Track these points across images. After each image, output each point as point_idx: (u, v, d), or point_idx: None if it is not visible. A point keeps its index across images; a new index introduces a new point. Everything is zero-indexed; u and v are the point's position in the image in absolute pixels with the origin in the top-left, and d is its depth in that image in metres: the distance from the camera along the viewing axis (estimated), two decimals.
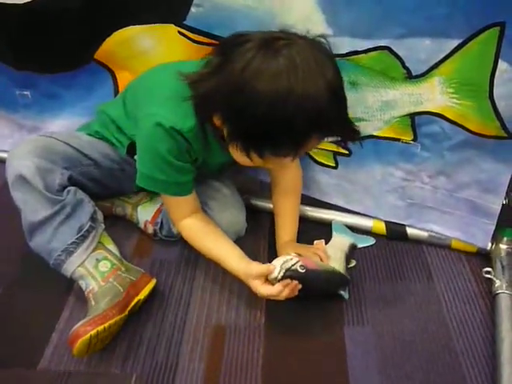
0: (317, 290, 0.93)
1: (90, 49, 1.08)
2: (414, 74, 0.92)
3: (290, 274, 0.84)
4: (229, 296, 0.99)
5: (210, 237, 0.95)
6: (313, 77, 0.72)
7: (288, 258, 0.86)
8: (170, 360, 0.87)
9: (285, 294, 0.85)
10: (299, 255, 0.92)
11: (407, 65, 0.91)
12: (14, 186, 0.90)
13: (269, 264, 0.86)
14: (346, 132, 0.84)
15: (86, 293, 0.90)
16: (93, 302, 0.88)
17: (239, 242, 1.00)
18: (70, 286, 0.97)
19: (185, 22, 0.98)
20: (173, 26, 1.00)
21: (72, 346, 0.82)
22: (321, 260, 0.96)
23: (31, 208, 0.89)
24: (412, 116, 0.97)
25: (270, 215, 1.11)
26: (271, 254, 1.02)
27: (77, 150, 0.98)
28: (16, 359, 0.87)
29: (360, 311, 0.96)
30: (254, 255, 0.98)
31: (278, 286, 0.84)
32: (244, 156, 0.81)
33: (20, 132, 1.29)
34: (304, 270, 0.85)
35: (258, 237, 1.12)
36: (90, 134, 1.04)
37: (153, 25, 1.01)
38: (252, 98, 0.72)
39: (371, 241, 1.09)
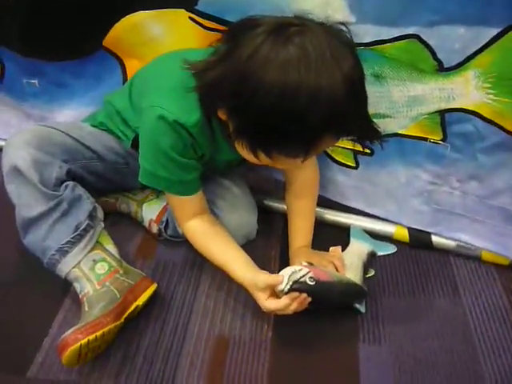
0: (329, 303, 0.88)
1: (98, 35, 1.05)
2: (445, 66, 0.86)
3: (297, 287, 0.79)
4: (234, 305, 0.93)
5: (216, 241, 0.91)
6: (327, 68, 0.66)
7: (297, 269, 0.80)
8: (166, 373, 0.82)
9: (292, 308, 0.79)
10: (311, 264, 0.86)
11: (439, 56, 0.85)
12: (9, 177, 0.86)
13: (276, 274, 0.81)
14: (365, 131, 0.78)
15: (80, 296, 0.85)
16: (86, 308, 0.83)
17: (249, 245, 0.97)
18: (66, 287, 0.93)
19: (196, 7, 0.95)
20: (183, 10, 0.96)
21: (61, 355, 0.77)
22: (336, 269, 0.91)
23: (25, 203, 0.85)
24: (442, 113, 0.92)
25: (284, 217, 1.06)
26: (284, 260, 0.98)
27: (78, 142, 0.94)
28: (5, 364, 0.83)
29: (377, 327, 0.90)
30: (264, 261, 0.96)
31: (284, 300, 0.79)
32: (251, 154, 0.75)
33: (27, 122, 1.27)
34: (314, 283, 0.80)
35: (271, 241, 1.07)
36: (94, 126, 1.00)
37: (163, 10, 0.98)
38: (259, 88, 0.66)
39: (392, 248, 1.05)
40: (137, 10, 0.99)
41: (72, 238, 0.85)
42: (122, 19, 1.01)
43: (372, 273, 0.98)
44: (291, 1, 0.85)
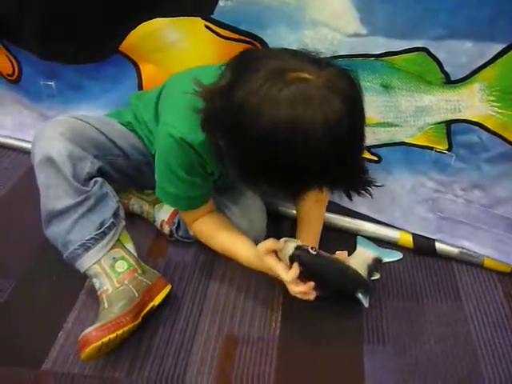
0: (332, 283, 0.87)
1: (115, 40, 1.07)
2: (452, 78, 0.87)
3: (299, 253, 0.79)
4: (243, 304, 0.95)
5: (222, 232, 0.93)
6: (310, 115, 0.63)
7: (298, 241, 0.82)
8: (177, 370, 0.84)
9: (299, 290, 0.81)
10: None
11: (446, 69, 0.87)
12: (40, 166, 0.85)
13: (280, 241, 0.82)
14: (351, 182, 0.75)
15: (98, 292, 0.86)
16: (106, 305, 0.84)
17: None
18: (81, 282, 0.95)
19: (212, 16, 0.96)
20: (200, 19, 0.97)
21: (81, 352, 0.79)
22: None
23: (54, 194, 0.85)
24: (448, 124, 0.93)
25: (292, 222, 1.07)
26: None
27: (109, 139, 0.93)
28: (21, 357, 0.85)
29: (381, 329, 0.91)
30: None
31: (295, 270, 0.80)
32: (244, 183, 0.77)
33: (43, 123, 1.25)
34: (315, 253, 0.80)
35: None
36: (122, 124, 1.00)
37: (179, 18, 0.99)
38: (247, 133, 0.66)
39: (398, 255, 1.05)
40: (154, 17, 1.00)
41: (96, 234, 0.85)
42: (140, 26, 1.02)
43: (377, 276, 0.99)
44: (305, 12, 0.87)
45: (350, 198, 0.77)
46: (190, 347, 0.87)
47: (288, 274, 0.81)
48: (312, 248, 0.80)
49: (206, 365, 0.84)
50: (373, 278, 0.97)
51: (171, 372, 0.83)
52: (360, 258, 0.97)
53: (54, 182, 0.84)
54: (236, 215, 0.99)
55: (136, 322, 0.84)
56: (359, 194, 0.76)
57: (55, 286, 0.96)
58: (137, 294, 0.85)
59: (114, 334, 0.79)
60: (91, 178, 0.87)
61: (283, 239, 0.82)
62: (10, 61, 1.19)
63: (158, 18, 1.00)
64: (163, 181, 0.87)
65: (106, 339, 0.78)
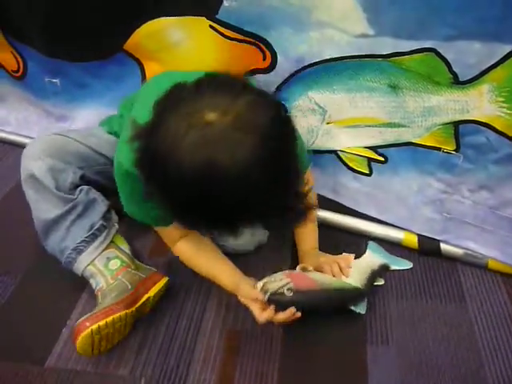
0: (317, 310, 0.87)
1: (120, 39, 1.06)
2: (461, 79, 0.87)
3: (275, 299, 0.80)
4: None
5: (202, 259, 0.91)
6: (216, 164, 0.58)
7: (277, 278, 0.81)
8: (180, 367, 0.84)
9: (279, 318, 0.80)
10: (293, 271, 0.86)
11: (454, 69, 0.86)
12: (26, 184, 0.90)
13: (255, 287, 0.81)
14: (282, 221, 0.70)
15: (95, 292, 0.89)
16: (100, 300, 0.86)
17: (261, 249, 0.99)
18: (84, 282, 0.95)
19: (217, 16, 0.95)
20: (204, 19, 0.97)
21: (74, 343, 0.80)
22: (341, 270, 0.90)
23: (43, 207, 0.89)
24: (456, 124, 0.92)
25: None
26: (295, 262, 0.98)
27: (93, 150, 0.96)
28: (24, 354, 0.86)
29: (385, 329, 0.91)
30: (277, 263, 0.96)
31: (269, 312, 0.80)
32: None
33: (48, 119, 1.29)
34: (291, 294, 0.80)
35: (281, 245, 1.07)
36: (110, 133, 1.01)
37: (184, 17, 0.99)
38: (163, 178, 0.62)
39: (407, 265, 1.04)
40: (158, 17, 1.00)
41: (86, 237, 0.89)
42: (144, 25, 1.01)
43: (381, 282, 0.98)
44: (311, 13, 0.86)
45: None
46: (194, 344, 0.88)
47: (261, 316, 0.80)
48: (288, 289, 0.80)
49: (209, 362, 0.85)
50: (376, 284, 0.96)
51: (174, 368, 0.84)
52: (365, 263, 0.96)
53: (41, 196, 0.89)
54: None
55: (128, 311, 0.84)
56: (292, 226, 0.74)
57: (58, 283, 0.97)
58: (130, 286, 0.87)
59: (104, 322, 0.80)
60: (76, 186, 0.91)
61: (263, 281, 0.81)
62: (15, 57, 1.19)
63: (162, 18, 1.00)
64: (124, 199, 0.84)
65: (95, 326, 0.79)
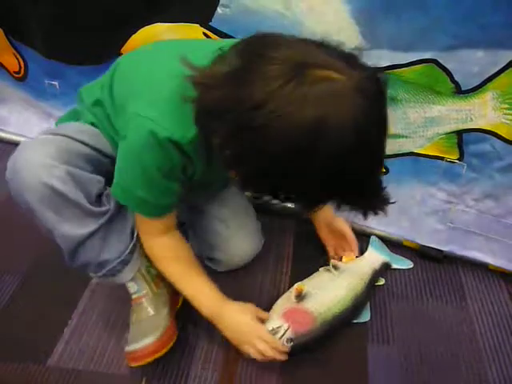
0: (320, 343, 0.86)
1: (117, 43, 1.06)
2: (463, 88, 0.85)
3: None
4: (248, 301, 0.90)
5: (179, 267, 0.83)
6: (339, 119, 0.56)
7: (275, 325, 0.81)
8: (182, 366, 0.84)
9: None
10: (289, 306, 0.85)
11: (456, 79, 0.84)
12: (42, 204, 0.70)
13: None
14: (371, 201, 0.67)
15: (134, 296, 0.83)
16: (152, 311, 0.82)
17: (262, 250, 0.99)
18: (86, 279, 0.94)
19: (210, 24, 0.95)
20: (198, 26, 0.97)
21: (134, 362, 0.79)
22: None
23: (71, 225, 0.73)
24: (459, 133, 0.90)
25: (295, 221, 1.08)
26: (296, 263, 1.01)
27: (94, 149, 0.79)
28: (26, 353, 0.85)
29: (386, 329, 0.91)
30: (277, 263, 0.97)
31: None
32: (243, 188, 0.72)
33: (48, 121, 1.28)
34: (291, 344, 0.80)
35: (284, 242, 1.07)
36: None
37: (179, 24, 0.99)
38: (262, 137, 0.57)
39: (408, 264, 1.03)
40: (154, 23, 1.00)
41: (131, 245, 0.80)
42: (140, 30, 1.01)
43: (382, 282, 0.98)
44: (304, 25, 0.85)
45: (365, 216, 0.68)
46: (195, 343, 0.87)
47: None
48: (288, 340, 0.80)
49: (210, 361, 0.85)
50: (377, 284, 0.96)
51: (175, 368, 0.84)
52: (367, 262, 0.96)
53: (64, 217, 0.72)
54: (231, 228, 0.95)
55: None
56: (376, 213, 0.67)
57: (60, 282, 0.96)
58: (168, 295, 0.86)
59: (168, 347, 0.81)
60: (100, 195, 0.77)
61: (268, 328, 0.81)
62: (17, 58, 1.20)
63: (158, 23, 1.00)
64: (129, 181, 0.72)
65: (161, 354, 0.80)
